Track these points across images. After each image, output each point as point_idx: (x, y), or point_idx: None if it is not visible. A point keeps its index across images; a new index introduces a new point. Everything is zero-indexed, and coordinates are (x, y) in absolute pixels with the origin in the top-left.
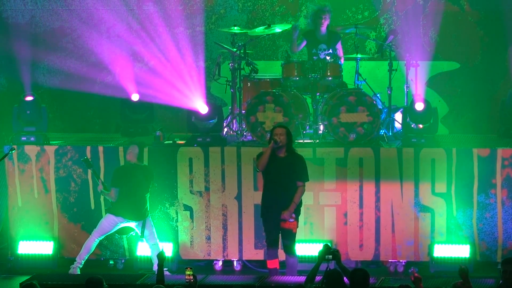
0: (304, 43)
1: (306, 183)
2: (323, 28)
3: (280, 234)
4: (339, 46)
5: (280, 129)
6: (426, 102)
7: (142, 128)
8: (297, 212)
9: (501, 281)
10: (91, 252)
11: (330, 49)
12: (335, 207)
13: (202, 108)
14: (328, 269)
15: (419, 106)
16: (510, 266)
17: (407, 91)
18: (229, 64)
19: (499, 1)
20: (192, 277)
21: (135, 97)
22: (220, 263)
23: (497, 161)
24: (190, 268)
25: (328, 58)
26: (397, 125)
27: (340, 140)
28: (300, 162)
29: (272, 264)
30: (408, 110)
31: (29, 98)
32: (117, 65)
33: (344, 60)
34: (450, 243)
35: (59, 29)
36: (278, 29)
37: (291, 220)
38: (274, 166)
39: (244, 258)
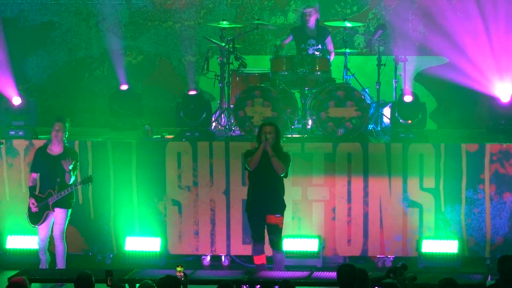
0: (290, 38)
1: (295, 178)
2: (311, 24)
3: (266, 230)
4: (328, 40)
5: (269, 127)
6: (414, 95)
7: (130, 122)
8: (283, 207)
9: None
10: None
11: (319, 44)
12: (323, 202)
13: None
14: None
15: (408, 98)
16: None
17: (395, 86)
18: (217, 58)
19: None
20: (183, 274)
21: (124, 87)
22: (208, 258)
23: (485, 156)
24: (181, 266)
25: (317, 53)
26: (386, 120)
27: (329, 135)
28: (284, 158)
29: (259, 260)
30: (397, 105)
31: (17, 101)
32: (105, 59)
33: (334, 54)
34: (438, 238)
35: (48, 23)
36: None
37: (277, 215)
38: (261, 163)
39: (232, 253)
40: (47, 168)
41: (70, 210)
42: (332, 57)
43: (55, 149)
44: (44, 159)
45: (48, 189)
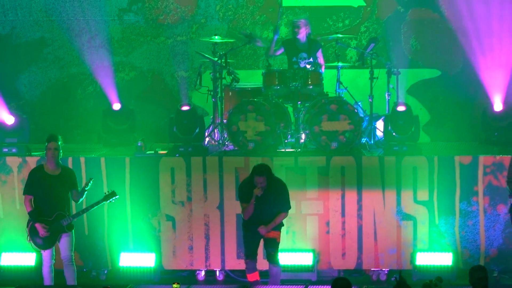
0: (281, 50)
1: (289, 192)
2: (302, 37)
3: (261, 246)
4: (319, 54)
5: (260, 178)
6: (407, 105)
7: (123, 138)
8: (280, 224)
9: None
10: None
11: (311, 58)
12: (317, 215)
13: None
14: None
15: (401, 108)
16: (483, 273)
17: (388, 99)
18: (210, 73)
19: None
20: None
21: (116, 106)
22: (203, 273)
23: (479, 168)
24: (178, 283)
25: (308, 66)
26: (379, 133)
27: (322, 149)
28: (281, 191)
29: (253, 277)
30: (390, 118)
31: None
32: (98, 76)
33: (325, 68)
34: (432, 251)
35: (40, 39)
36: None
37: (276, 230)
38: (256, 199)
39: (226, 268)
40: (49, 189)
41: (73, 232)
42: (322, 70)
43: (53, 168)
44: (43, 179)
45: (55, 211)
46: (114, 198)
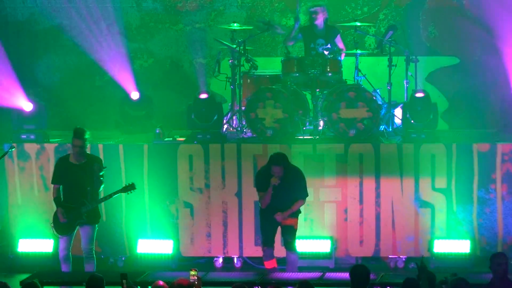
0: (299, 37)
1: (307, 179)
2: (319, 23)
3: (278, 233)
4: (338, 39)
5: (277, 167)
6: (425, 92)
7: (141, 125)
8: (298, 211)
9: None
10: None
11: (329, 44)
12: (335, 203)
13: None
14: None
15: (419, 94)
16: (504, 259)
17: (406, 87)
18: (228, 60)
19: None
20: (196, 278)
21: (134, 95)
22: (221, 260)
23: (497, 156)
24: (195, 269)
25: (326, 52)
26: (397, 121)
27: (340, 136)
28: (298, 178)
29: (270, 264)
30: (408, 106)
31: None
32: (116, 62)
33: (344, 56)
34: (450, 238)
35: (59, 26)
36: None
37: (293, 217)
38: (274, 186)
39: (244, 255)
40: (73, 178)
41: (97, 226)
42: (343, 56)
43: (78, 158)
44: (68, 169)
45: (79, 198)
46: (132, 190)
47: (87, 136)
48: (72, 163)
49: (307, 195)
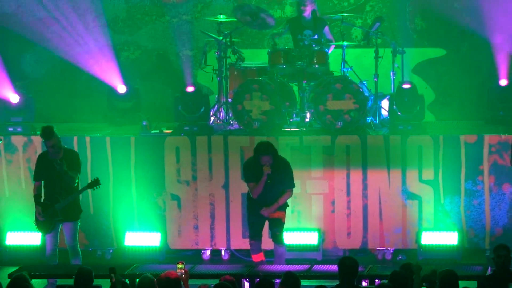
0: (286, 30)
1: (294, 171)
2: (307, 14)
3: (265, 226)
4: (326, 31)
5: (266, 157)
6: (412, 84)
7: (129, 117)
8: (285, 204)
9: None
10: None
11: (316, 35)
12: (322, 195)
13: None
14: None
15: (406, 85)
16: (504, 251)
17: (393, 78)
18: (215, 52)
19: None
20: (183, 271)
21: (121, 88)
22: (208, 252)
23: (484, 147)
24: (182, 262)
25: (313, 44)
26: (384, 113)
27: (327, 128)
28: (285, 169)
29: (258, 257)
30: (395, 97)
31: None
32: (103, 55)
33: (333, 47)
34: (437, 230)
35: (46, 18)
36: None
37: (281, 210)
38: (261, 174)
39: (232, 247)
40: (51, 174)
41: (79, 222)
42: (331, 48)
43: (56, 155)
44: (47, 165)
45: (54, 194)
46: (97, 186)
47: (55, 136)
48: (49, 159)
49: (294, 186)
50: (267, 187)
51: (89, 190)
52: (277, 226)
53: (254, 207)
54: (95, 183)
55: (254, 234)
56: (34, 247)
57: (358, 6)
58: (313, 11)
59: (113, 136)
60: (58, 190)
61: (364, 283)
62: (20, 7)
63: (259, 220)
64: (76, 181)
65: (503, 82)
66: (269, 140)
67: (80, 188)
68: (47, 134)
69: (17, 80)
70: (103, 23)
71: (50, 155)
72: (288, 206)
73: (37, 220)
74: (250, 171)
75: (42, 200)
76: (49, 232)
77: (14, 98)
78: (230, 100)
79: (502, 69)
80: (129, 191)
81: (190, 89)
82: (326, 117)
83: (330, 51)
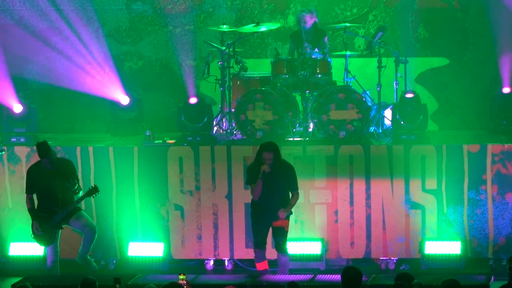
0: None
1: (298, 181)
2: (308, 27)
3: (269, 235)
4: (326, 41)
5: (268, 153)
6: (415, 93)
7: (132, 127)
8: (289, 212)
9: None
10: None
11: (316, 48)
12: (326, 205)
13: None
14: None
15: (409, 95)
16: None
17: (396, 88)
18: (218, 62)
19: None
20: (185, 282)
21: (124, 99)
22: (212, 262)
23: (487, 157)
24: (184, 274)
25: (313, 56)
26: (387, 122)
27: (330, 138)
28: (289, 172)
29: (262, 266)
30: (398, 107)
31: (18, 108)
32: (105, 66)
33: (333, 57)
34: (441, 239)
35: (48, 29)
36: (264, 28)
37: (284, 219)
38: (264, 183)
39: (235, 257)
40: (45, 185)
41: (82, 211)
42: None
43: (48, 165)
44: (40, 177)
45: (51, 206)
46: (96, 193)
47: (49, 146)
48: (44, 170)
49: (297, 189)
50: (271, 190)
51: (92, 201)
52: (280, 235)
53: (258, 215)
54: (93, 191)
55: (258, 242)
56: (37, 258)
57: (360, 15)
58: (314, 23)
59: (116, 146)
60: (55, 201)
61: None
62: (23, 17)
63: (263, 228)
64: (75, 188)
65: (506, 90)
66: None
67: (79, 196)
68: (44, 151)
69: (20, 91)
70: (105, 34)
71: (44, 167)
72: (292, 213)
73: (35, 233)
74: (252, 174)
75: (37, 212)
76: (50, 245)
77: (17, 108)
78: (233, 110)
79: (505, 77)
80: (133, 201)
81: (193, 100)
82: (329, 127)
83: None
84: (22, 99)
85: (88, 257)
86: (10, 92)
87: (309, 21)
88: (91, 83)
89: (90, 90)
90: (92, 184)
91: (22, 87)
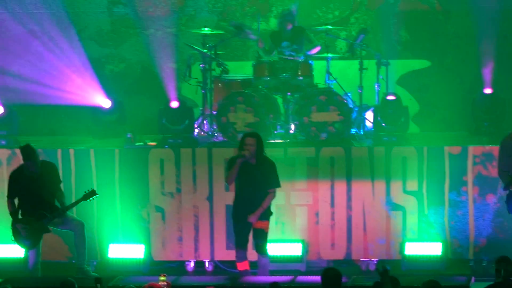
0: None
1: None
2: (289, 27)
3: (251, 235)
4: (306, 37)
5: (251, 139)
6: (397, 95)
7: (113, 130)
8: (269, 212)
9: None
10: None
11: (294, 45)
12: (307, 206)
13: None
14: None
15: (390, 97)
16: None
17: (378, 90)
18: (200, 65)
19: (469, 0)
20: (166, 283)
21: (105, 102)
22: (192, 264)
23: (468, 158)
24: (164, 274)
25: (293, 53)
26: (368, 124)
27: (311, 140)
28: (270, 168)
29: (242, 266)
30: (379, 109)
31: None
32: (87, 69)
33: (315, 59)
34: (421, 241)
35: (30, 32)
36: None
37: (263, 220)
38: (245, 173)
39: (215, 259)
40: (30, 189)
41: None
42: (316, 49)
43: (33, 169)
44: (24, 181)
45: (38, 210)
46: (94, 197)
47: (33, 149)
48: (27, 175)
49: (280, 186)
50: (252, 188)
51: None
52: (260, 237)
53: (238, 215)
54: (90, 195)
55: (239, 242)
56: (17, 260)
57: (342, 18)
58: (293, 23)
59: (98, 148)
60: (42, 205)
61: None
62: (4, 21)
63: (244, 228)
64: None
65: (488, 91)
66: None
67: (75, 200)
68: (28, 155)
69: (1, 93)
70: (87, 37)
71: (27, 171)
72: (272, 214)
73: (17, 237)
74: (232, 163)
75: (20, 216)
76: (34, 248)
77: None
78: (214, 112)
79: (487, 79)
80: (113, 203)
81: (174, 104)
82: (311, 129)
83: (312, 52)
84: (2, 102)
85: (86, 267)
86: None
87: (291, 23)
88: (72, 90)
89: (71, 97)
90: (90, 188)
91: (3, 90)
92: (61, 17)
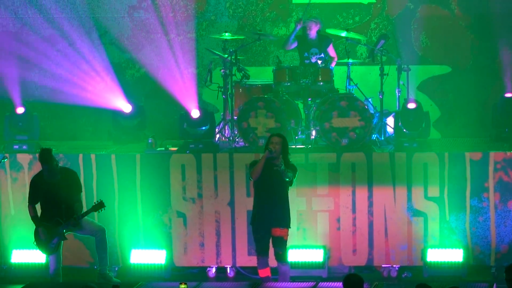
0: (295, 44)
1: (300, 189)
2: (312, 33)
3: (271, 242)
4: (330, 49)
5: (277, 137)
6: (417, 102)
7: (134, 135)
8: (288, 220)
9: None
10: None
11: (322, 53)
12: (328, 212)
13: (194, 112)
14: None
15: (411, 105)
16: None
17: (398, 96)
18: (220, 70)
19: (489, 5)
20: None
21: (126, 107)
22: (214, 269)
23: (489, 164)
24: (185, 283)
25: (319, 62)
26: (389, 130)
27: (332, 145)
28: (292, 169)
29: (264, 273)
30: (400, 114)
31: (21, 110)
32: (107, 74)
33: (336, 65)
34: (443, 247)
35: (50, 37)
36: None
37: (282, 227)
38: (268, 175)
39: (237, 265)
40: (48, 195)
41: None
42: (334, 63)
43: (53, 176)
44: (43, 187)
45: (54, 217)
46: (102, 208)
47: (53, 154)
48: (47, 181)
49: (293, 178)
50: (274, 188)
51: None
52: (279, 245)
53: (258, 223)
54: (99, 206)
55: (260, 250)
56: (39, 265)
57: (363, 23)
58: (318, 31)
59: (119, 153)
60: (58, 212)
61: None
62: (24, 26)
63: (264, 235)
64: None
65: (509, 96)
66: None
67: (84, 211)
68: (46, 159)
69: (22, 97)
70: (108, 42)
71: (46, 177)
72: (290, 228)
73: (39, 241)
74: (256, 160)
75: (41, 221)
76: (53, 254)
77: (19, 109)
78: (235, 117)
79: (507, 84)
80: (135, 208)
81: (195, 113)
82: (332, 135)
83: (333, 65)
84: (24, 105)
85: (108, 272)
86: (16, 95)
87: (314, 27)
88: (93, 92)
89: (92, 99)
90: (99, 197)
91: (24, 94)
92: (84, 22)
